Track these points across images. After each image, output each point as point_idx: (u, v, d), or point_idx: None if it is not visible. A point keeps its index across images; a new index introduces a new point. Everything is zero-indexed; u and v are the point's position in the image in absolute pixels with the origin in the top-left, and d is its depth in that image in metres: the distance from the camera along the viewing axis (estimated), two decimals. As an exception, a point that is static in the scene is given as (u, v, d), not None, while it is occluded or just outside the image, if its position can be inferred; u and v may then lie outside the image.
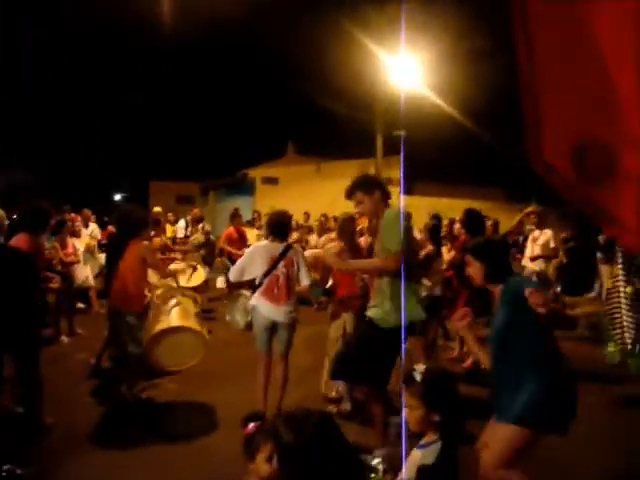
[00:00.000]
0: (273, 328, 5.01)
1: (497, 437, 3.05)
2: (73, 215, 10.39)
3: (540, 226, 8.64)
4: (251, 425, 2.36)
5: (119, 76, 26.51)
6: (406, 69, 15.57)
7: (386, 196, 4.14)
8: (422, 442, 2.37)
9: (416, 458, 2.34)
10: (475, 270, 3.19)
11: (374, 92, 18.03)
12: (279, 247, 5.02)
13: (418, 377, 2.33)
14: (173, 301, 5.84)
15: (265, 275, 4.97)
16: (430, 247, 6.62)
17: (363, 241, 5.92)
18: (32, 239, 5.01)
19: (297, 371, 5.32)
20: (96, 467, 4.07)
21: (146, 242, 5.45)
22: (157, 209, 11.57)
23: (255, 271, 5.02)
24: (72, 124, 27.94)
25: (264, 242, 5.32)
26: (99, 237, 11.24)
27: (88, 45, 21.48)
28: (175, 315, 5.67)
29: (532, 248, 8.59)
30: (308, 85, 18.42)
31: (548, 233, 8.57)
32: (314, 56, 17.56)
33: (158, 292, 6.14)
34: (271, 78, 19.61)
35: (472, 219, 6.67)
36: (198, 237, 10.81)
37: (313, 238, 11.65)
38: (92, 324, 8.05)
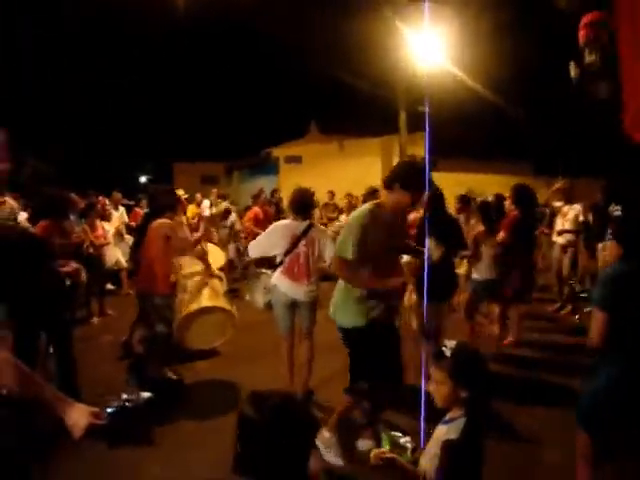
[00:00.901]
0: (294, 307, 5.06)
1: None
2: (101, 198, 10.53)
3: (568, 201, 8.55)
4: None
5: (142, 58, 26.55)
6: (429, 44, 15.33)
7: (410, 189, 3.87)
8: (447, 417, 2.39)
9: (441, 434, 2.36)
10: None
11: (396, 68, 17.78)
12: (301, 225, 5.02)
13: (448, 352, 2.34)
14: (201, 281, 5.90)
15: (286, 254, 4.99)
16: (480, 228, 6.36)
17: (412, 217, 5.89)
18: (50, 225, 5.15)
19: (322, 348, 5.36)
20: (128, 445, 4.18)
21: (169, 220, 5.43)
22: (180, 192, 11.68)
23: (275, 249, 5.05)
24: (95, 109, 28.12)
25: (286, 221, 5.31)
26: (126, 219, 11.41)
27: (108, 28, 21.50)
28: (206, 295, 5.74)
29: (562, 223, 8.52)
30: (330, 63, 18.25)
31: (577, 208, 8.48)
32: (335, 34, 17.36)
33: (184, 272, 6.21)
34: (293, 57, 19.45)
35: (522, 194, 6.54)
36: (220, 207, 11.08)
37: (343, 218, 11.66)
38: (122, 305, 8.23)
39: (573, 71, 4.39)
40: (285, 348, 5.14)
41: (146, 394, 1.99)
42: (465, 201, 8.45)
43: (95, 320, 8.00)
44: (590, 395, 3.24)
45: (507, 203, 7.00)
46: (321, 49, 18.27)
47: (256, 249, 5.18)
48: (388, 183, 3.94)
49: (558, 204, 9.02)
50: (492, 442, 2.87)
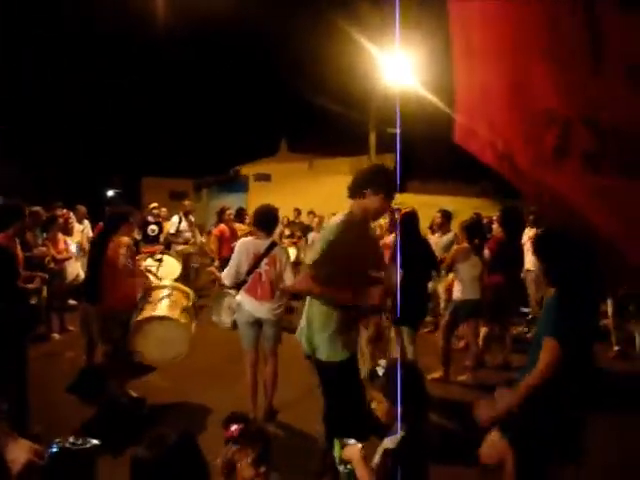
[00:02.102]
0: (258, 325, 4.98)
1: None
2: (65, 211, 10.29)
3: (535, 224, 8.68)
4: (234, 427, 2.31)
5: (112, 73, 26.35)
6: (400, 66, 15.56)
7: (381, 193, 3.52)
8: (390, 432, 2.48)
9: (383, 445, 2.46)
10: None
11: (367, 89, 18.01)
12: (264, 244, 4.97)
13: (380, 371, 2.46)
14: (165, 292, 5.73)
15: (248, 272, 4.93)
16: (463, 246, 6.25)
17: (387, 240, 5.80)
18: (6, 237, 4.84)
19: (288, 367, 5.28)
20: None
21: (125, 238, 5.31)
22: (154, 204, 11.53)
23: (242, 269, 4.99)
24: (64, 121, 27.74)
25: (249, 238, 5.27)
26: (90, 234, 11.17)
27: (82, 42, 21.34)
28: (163, 305, 5.56)
29: (527, 246, 8.61)
30: (301, 82, 18.41)
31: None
32: (307, 53, 17.55)
33: (152, 284, 6.02)
34: (264, 75, 19.56)
35: (510, 218, 6.55)
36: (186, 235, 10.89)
37: (312, 235, 11.58)
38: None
39: None
40: (249, 365, 5.05)
41: (94, 441, 1.91)
42: (447, 216, 8.24)
43: (56, 336, 7.77)
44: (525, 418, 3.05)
45: (494, 226, 7.01)
46: (293, 69, 18.43)
47: (231, 275, 5.08)
48: (357, 190, 3.58)
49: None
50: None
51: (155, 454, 1.78)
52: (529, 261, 8.24)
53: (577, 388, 2.97)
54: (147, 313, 5.36)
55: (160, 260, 7.22)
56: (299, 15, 17.50)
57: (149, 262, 6.95)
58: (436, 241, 7.59)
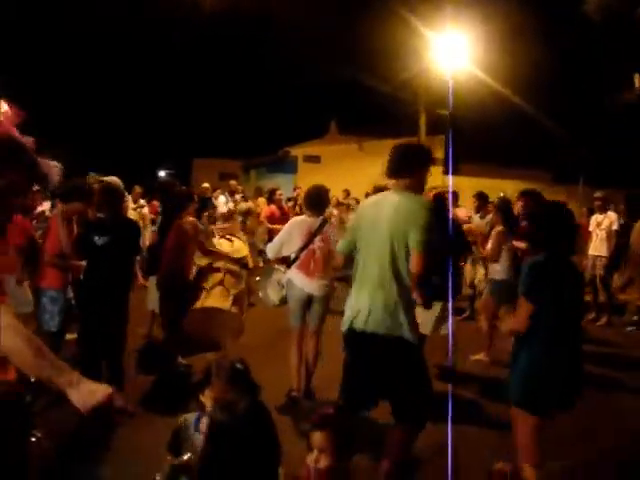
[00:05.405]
0: (308, 302, 5.06)
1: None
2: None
3: (602, 210, 8.49)
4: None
5: (165, 58, 26.76)
6: (451, 46, 15.30)
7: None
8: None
9: None
10: None
11: (418, 70, 17.76)
12: (316, 221, 5.06)
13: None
14: (217, 278, 5.86)
15: (302, 249, 5.01)
16: (499, 228, 6.18)
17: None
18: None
19: (328, 346, 5.28)
20: (146, 434, 4.17)
21: (191, 218, 5.57)
22: (205, 185, 11.71)
23: (293, 246, 5.07)
24: (117, 104, 28.43)
25: (301, 217, 5.36)
26: (146, 212, 11.48)
27: (131, 29, 21.66)
28: (214, 295, 5.67)
29: (596, 232, 8.46)
30: (350, 64, 18.28)
31: (611, 216, 8.43)
32: (357, 34, 17.38)
33: (203, 263, 6.17)
34: (314, 57, 19.48)
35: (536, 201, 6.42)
36: (243, 205, 11.00)
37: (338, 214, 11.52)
38: (136, 297, 8.25)
39: (638, 81, 4.40)
40: (295, 342, 5.11)
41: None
42: (483, 198, 8.34)
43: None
44: (519, 377, 3.38)
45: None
46: (342, 50, 18.30)
47: (275, 249, 5.19)
48: (407, 167, 3.54)
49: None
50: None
51: (230, 417, 1.87)
52: (594, 247, 8.21)
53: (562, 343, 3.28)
54: (201, 303, 5.51)
55: (230, 239, 7.38)
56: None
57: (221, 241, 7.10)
58: (478, 223, 7.84)
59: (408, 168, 3.54)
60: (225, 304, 5.46)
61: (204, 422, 2.28)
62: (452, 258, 5.49)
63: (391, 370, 3.44)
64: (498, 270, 6.17)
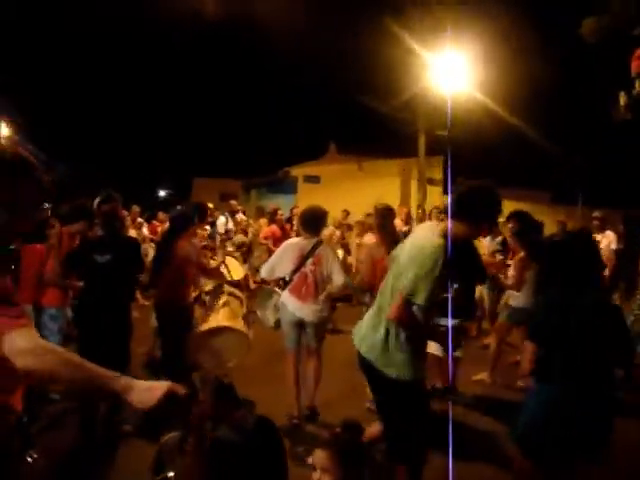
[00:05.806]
0: (301, 325, 4.96)
1: None
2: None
3: (601, 230, 8.47)
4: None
5: (165, 75, 27.03)
6: (450, 67, 15.43)
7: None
8: None
9: None
10: None
11: (417, 91, 17.88)
12: (309, 244, 4.97)
13: None
14: (221, 300, 5.85)
15: (294, 272, 4.94)
16: (522, 254, 5.80)
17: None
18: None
19: (329, 367, 5.29)
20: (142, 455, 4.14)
21: (193, 240, 5.53)
22: (210, 205, 11.73)
23: (285, 268, 5.01)
24: (117, 122, 28.59)
25: (296, 239, 5.31)
26: (145, 232, 11.51)
27: (131, 44, 21.90)
28: (223, 315, 5.66)
29: None
30: (350, 84, 18.41)
31: (610, 236, 8.40)
32: (357, 55, 17.55)
33: (207, 288, 6.17)
34: (313, 77, 19.65)
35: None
36: (240, 237, 10.99)
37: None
38: (135, 316, 8.22)
39: (622, 100, 4.41)
40: (291, 365, 5.04)
41: None
42: None
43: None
44: (522, 414, 3.26)
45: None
46: (342, 70, 18.44)
47: (268, 269, 5.16)
48: (469, 212, 3.16)
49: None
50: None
51: (237, 436, 1.83)
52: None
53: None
54: (210, 324, 5.45)
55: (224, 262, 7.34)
56: (349, 17, 17.54)
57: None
58: (487, 245, 7.65)
59: (463, 213, 3.17)
60: (237, 324, 5.45)
61: (190, 442, 2.25)
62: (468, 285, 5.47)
63: (376, 395, 3.55)
64: (517, 296, 5.89)
